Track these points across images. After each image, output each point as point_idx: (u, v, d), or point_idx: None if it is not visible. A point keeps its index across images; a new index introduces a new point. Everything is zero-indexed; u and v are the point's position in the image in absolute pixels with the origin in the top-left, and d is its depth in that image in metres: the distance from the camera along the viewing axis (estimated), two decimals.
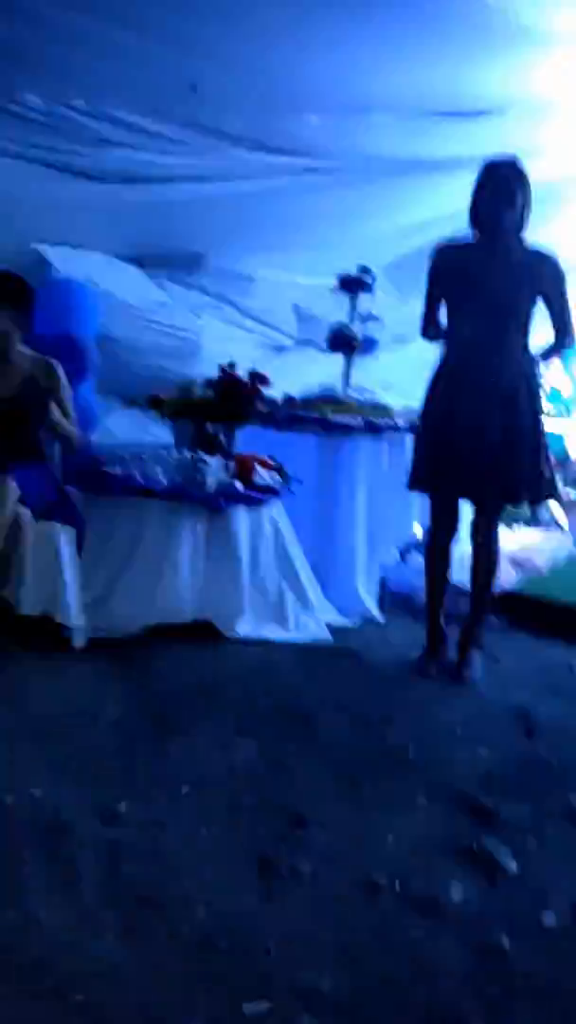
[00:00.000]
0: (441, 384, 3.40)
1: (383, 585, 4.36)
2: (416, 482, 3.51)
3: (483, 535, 3.48)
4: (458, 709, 3.17)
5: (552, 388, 6.66)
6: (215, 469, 3.68)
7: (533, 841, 2.31)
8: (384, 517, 4.34)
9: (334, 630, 3.83)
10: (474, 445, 3.30)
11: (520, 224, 3.31)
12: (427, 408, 3.45)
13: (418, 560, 4.58)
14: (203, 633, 3.55)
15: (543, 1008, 1.74)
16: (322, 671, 3.44)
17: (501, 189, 3.26)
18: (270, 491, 3.80)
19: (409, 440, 4.24)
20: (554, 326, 3.43)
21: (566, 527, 6.66)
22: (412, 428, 4.13)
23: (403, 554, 4.60)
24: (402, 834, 2.29)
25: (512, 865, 2.18)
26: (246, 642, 3.57)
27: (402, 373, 5.26)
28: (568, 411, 7.09)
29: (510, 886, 2.11)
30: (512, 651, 3.85)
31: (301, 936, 1.87)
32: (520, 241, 3.33)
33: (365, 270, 4.53)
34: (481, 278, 3.29)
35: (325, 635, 3.75)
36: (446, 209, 4.95)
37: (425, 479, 3.47)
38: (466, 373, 3.32)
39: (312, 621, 3.77)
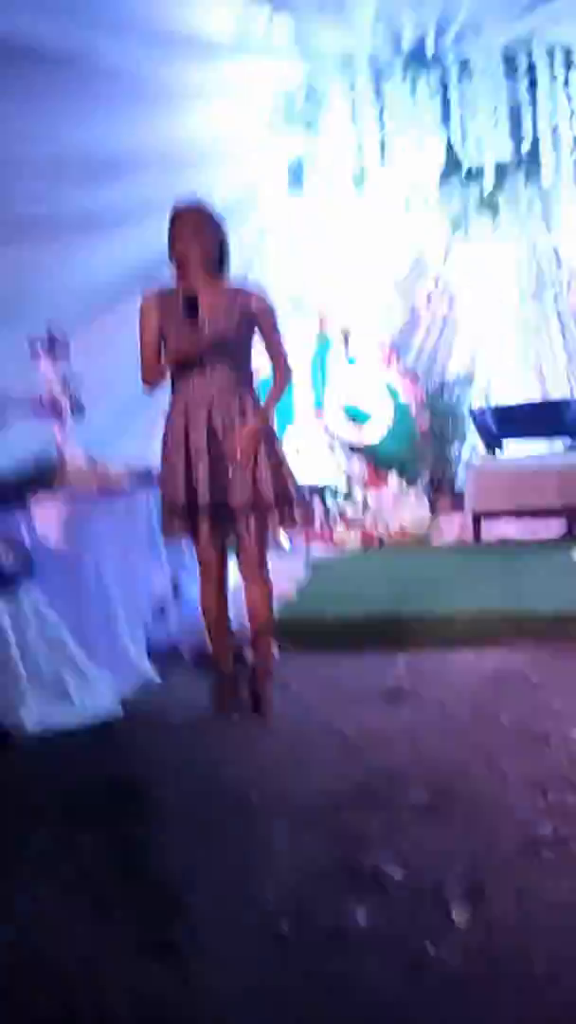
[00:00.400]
0: (174, 422, 3.38)
1: (149, 643, 4.25)
2: (171, 528, 3.45)
3: (251, 567, 3.47)
4: (274, 743, 3.16)
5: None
6: None
7: (403, 842, 2.34)
8: (135, 575, 4.24)
9: (119, 700, 3.66)
10: (219, 481, 3.32)
11: (217, 261, 3.37)
12: (165, 452, 3.41)
13: (177, 612, 4.54)
14: None
15: (485, 1002, 1.75)
16: (125, 745, 3.29)
17: (188, 231, 3.31)
18: (17, 573, 3.59)
19: (144, 495, 4.20)
20: (270, 357, 3.51)
21: (288, 547, 6.88)
22: (148, 479, 4.09)
23: (161, 608, 4.51)
24: (281, 878, 2.23)
25: (397, 871, 2.19)
26: (36, 735, 3.33)
27: (108, 430, 5.20)
28: None
29: (406, 892, 2.12)
30: (297, 674, 3.89)
31: (232, 1009, 1.76)
32: (222, 278, 3.39)
33: (57, 333, 4.40)
34: (190, 318, 3.30)
35: (114, 707, 3.58)
36: (126, 261, 5.00)
37: (179, 523, 3.41)
38: (195, 409, 3.33)
39: (96, 696, 3.59)
